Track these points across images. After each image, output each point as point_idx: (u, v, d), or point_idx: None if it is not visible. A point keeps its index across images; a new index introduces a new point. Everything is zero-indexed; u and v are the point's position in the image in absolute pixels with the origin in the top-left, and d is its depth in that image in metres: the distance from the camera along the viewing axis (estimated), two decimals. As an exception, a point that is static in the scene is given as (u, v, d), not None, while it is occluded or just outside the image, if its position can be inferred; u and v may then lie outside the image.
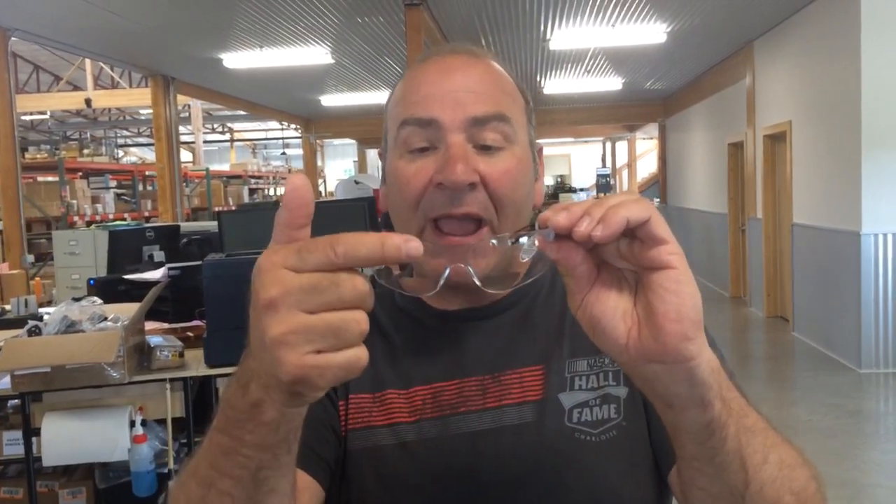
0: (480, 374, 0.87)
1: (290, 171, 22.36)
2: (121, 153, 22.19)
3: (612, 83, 11.96)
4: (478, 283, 0.71)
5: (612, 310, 0.59)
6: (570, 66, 10.58)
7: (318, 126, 16.24)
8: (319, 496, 0.83)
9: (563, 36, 8.31)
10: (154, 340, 3.13)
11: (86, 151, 15.76)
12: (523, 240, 0.66)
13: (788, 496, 0.67)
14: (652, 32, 8.10)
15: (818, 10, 6.97)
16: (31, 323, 2.82)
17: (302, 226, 0.52)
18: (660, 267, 0.57)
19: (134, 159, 21.19)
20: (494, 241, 0.76)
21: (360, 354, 0.51)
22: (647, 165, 22.02)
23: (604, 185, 19.17)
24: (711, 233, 11.43)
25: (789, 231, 7.83)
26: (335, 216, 4.43)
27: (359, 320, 0.50)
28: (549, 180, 23.31)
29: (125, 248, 4.65)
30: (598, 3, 7.04)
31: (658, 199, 15.05)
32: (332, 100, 12.96)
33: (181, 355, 3.08)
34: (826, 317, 6.98)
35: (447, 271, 0.71)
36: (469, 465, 0.83)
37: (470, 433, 0.84)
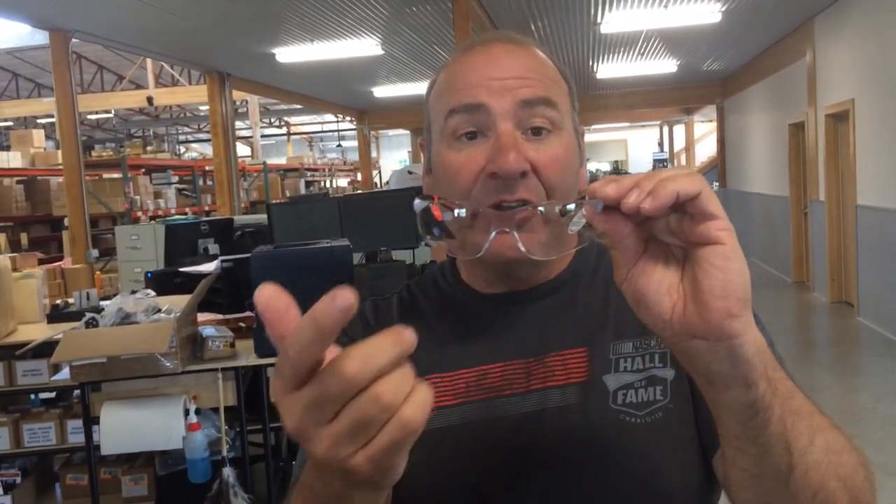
0: (524, 356, 0.87)
1: (344, 162, 22.60)
2: (182, 149, 22.78)
3: (666, 65, 11.72)
4: (522, 248, 0.73)
5: (657, 283, 0.59)
6: (622, 49, 10.40)
7: (372, 117, 16.35)
8: None
9: (615, 19, 8.17)
10: (206, 331, 3.21)
11: (149, 148, 16.25)
12: (571, 206, 0.67)
13: (834, 481, 0.65)
14: (706, 12, 7.89)
15: (881, -18, 6.70)
16: (89, 315, 2.92)
17: (284, 336, 0.48)
18: (709, 242, 0.56)
19: (195, 155, 21.71)
20: (542, 209, 0.77)
21: (407, 415, 0.48)
22: (706, 149, 21.55)
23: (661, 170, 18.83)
24: (772, 216, 11.14)
25: (853, 213, 7.57)
26: (388, 206, 4.47)
27: (377, 395, 0.47)
28: (605, 166, 23.07)
29: (181, 242, 4.78)
30: (649, -16, 6.91)
31: (717, 183, 14.73)
32: (384, 91, 13.03)
33: (232, 345, 3.16)
34: (893, 301, 6.74)
35: (493, 234, 0.73)
36: (514, 448, 0.83)
37: (515, 416, 0.84)
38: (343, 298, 0.45)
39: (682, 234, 0.57)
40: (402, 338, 0.48)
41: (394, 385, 0.47)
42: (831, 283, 8.42)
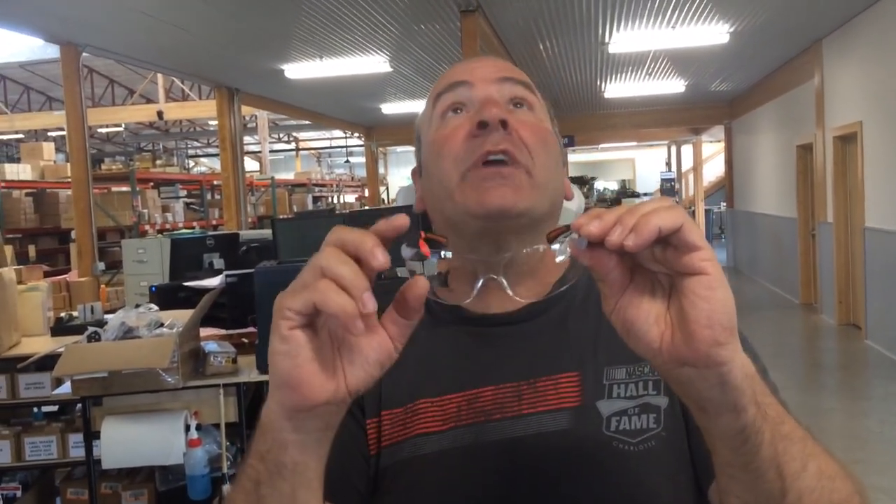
0: (515, 379, 0.85)
1: (352, 178, 22.69)
2: (191, 163, 22.89)
3: (674, 85, 11.74)
4: (510, 293, 0.73)
5: (645, 313, 0.60)
6: (630, 69, 10.43)
7: (380, 134, 16.41)
8: None
9: (623, 39, 8.20)
10: (209, 346, 3.20)
11: (158, 162, 16.33)
12: (556, 247, 0.67)
13: None
14: (714, 33, 7.92)
15: (890, 5, 6.70)
16: (91, 329, 2.92)
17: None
18: (693, 272, 0.57)
19: (204, 169, 21.81)
20: (527, 251, 0.78)
21: (322, 287, 0.56)
22: (714, 169, 21.52)
23: (668, 189, 18.82)
24: (780, 238, 11.10)
25: (861, 236, 7.54)
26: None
27: (320, 266, 0.57)
28: (613, 185, 23.06)
29: (186, 256, 4.77)
30: (657, 5, 6.93)
31: (724, 203, 14.70)
32: (392, 108, 13.08)
33: (234, 361, 3.14)
34: (901, 324, 6.69)
35: (480, 282, 0.73)
36: (505, 473, 0.82)
37: (506, 440, 0.83)
38: (400, 218, 0.59)
39: (666, 263, 0.58)
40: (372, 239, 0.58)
41: (335, 265, 0.56)
42: (839, 306, 8.37)
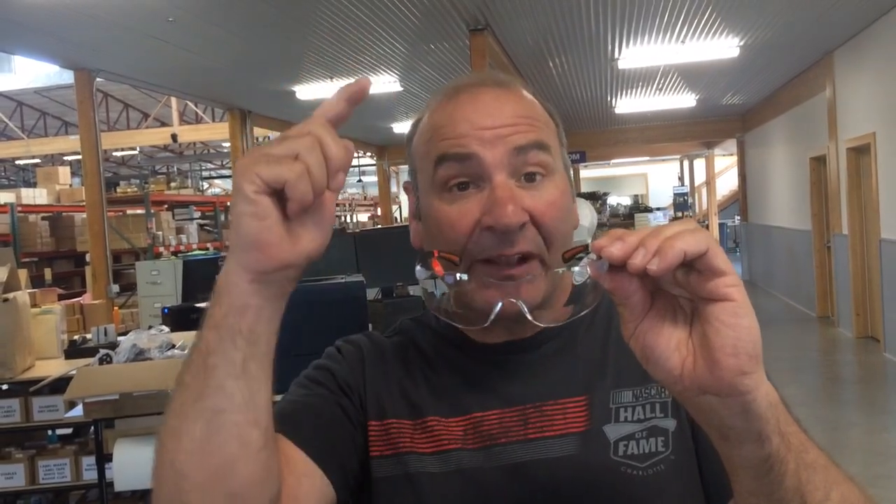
0: (521, 404, 0.84)
1: (364, 197, 22.77)
2: (206, 185, 23.03)
3: (685, 100, 11.72)
4: (529, 317, 0.71)
5: (666, 339, 0.58)
6: (640, 84, 10.43)
7: (391, 153, 16.48)
8: (327, 496, 0.80)
9: (632, 55, 8.20)
10: (220, 367, 3.20)
11: (172, 184, 16.44)
12: (576, 269, 0.66)
13: None
14: (724, 47, 7.91)
15: (900, 16, 6.68)
16: (103, 352, 2.93)
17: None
18: (718, 298, 0.56)
19: (217, 191, 21.93)
20: (546, 274, 0.77)
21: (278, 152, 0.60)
22: (727, 182, 21.45)
23: (681, 203, 18.75)
24: (795, 250, 11.02)
25: (877, 247, 7.46)
26: (404, 241, 4.46)
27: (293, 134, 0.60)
28: (626, 200, 23.00)
29: (198, 277, 4.80)
30: (665, 21, 6.93)
31: (739, 217, 14.63)
32: (403, 127, 13.15)
33: (245, 382, 3.14)
34: (920, 337, 6.61)
35: (499, 306, 0.72)
36: (510, 499, 0.81)
37: (511, 465, 0.82)
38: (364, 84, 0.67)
39: (689, 288, 0.56)
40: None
41: (311, 156, 0.59)
42: (856, 318, 8.28)
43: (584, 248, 0.61)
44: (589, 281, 0.61)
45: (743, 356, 0.55)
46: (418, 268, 0.81)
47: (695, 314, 0.58)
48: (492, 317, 0.71)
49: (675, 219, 18.28)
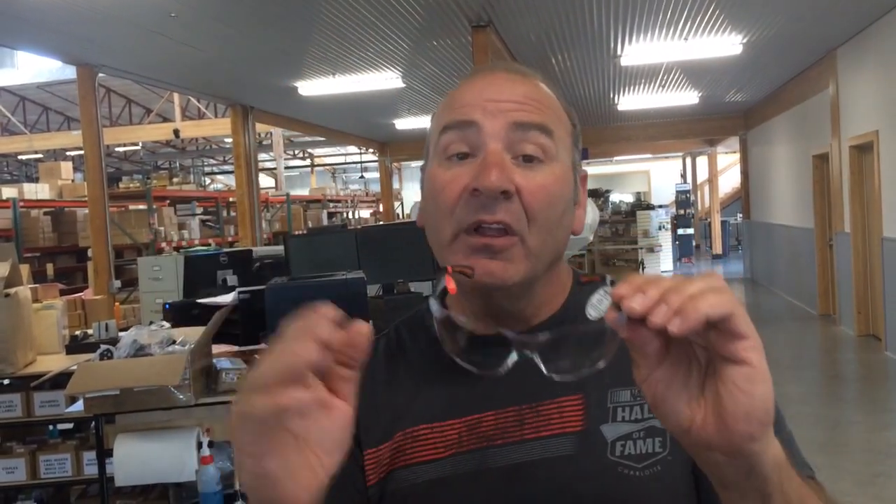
0: (517, 403, 0.83)
1: (367, 194, 22.76)
2: (208, 181, 23.04)
3: (688, 97, 11.71)
4: (544, 370, 0.69)
5: (677, 393, 0.58)
6: (643, 81, 10.42)
7: (393, 149, 16.47)
8: None
9: (635, 52, 8.19)
10: (221, 363, 3.20)
11: (175, 180, 16.44)
12: (592, 313, 0.66)
13: None
14: (726, 44, 7.89)
15: (904, 13, 6.66)
16: (104, 347, 2.93)
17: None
18: (736, 361, 0.55)
19: (220, 186, 21.94)
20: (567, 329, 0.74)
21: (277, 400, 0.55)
22: (730, 180, 21.41)
23: (684, 201, 18.73)
24: (797, 248, 11.01)
25: (879, 245, 7.45)
26: (405, 238, 4.48)
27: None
28: (628, 197, 22.97)
29: (200, 273, 4.79)
30: (668, 18, 6.92)
31: (741, 215, 14.61)
32: (405, 123, 13.14)
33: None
34: (921, 335, 6.60)
35: (514, 357, 0.70)
36: (507, 499, 0.80)
37: (508, 466, 0.81)
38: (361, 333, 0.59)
39: (709, 344, 0.56)
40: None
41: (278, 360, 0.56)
42: (858, 317, 8.27)
43: (601, 279, 0.61)
44: (607, 328, 0.59)
45: (755, 423, 0.55)
46: (432, 300, 0.79)
47: (710, 367, 0.57)
48: (502, 370, 0.71)
49: (677, 217, 18.27)
